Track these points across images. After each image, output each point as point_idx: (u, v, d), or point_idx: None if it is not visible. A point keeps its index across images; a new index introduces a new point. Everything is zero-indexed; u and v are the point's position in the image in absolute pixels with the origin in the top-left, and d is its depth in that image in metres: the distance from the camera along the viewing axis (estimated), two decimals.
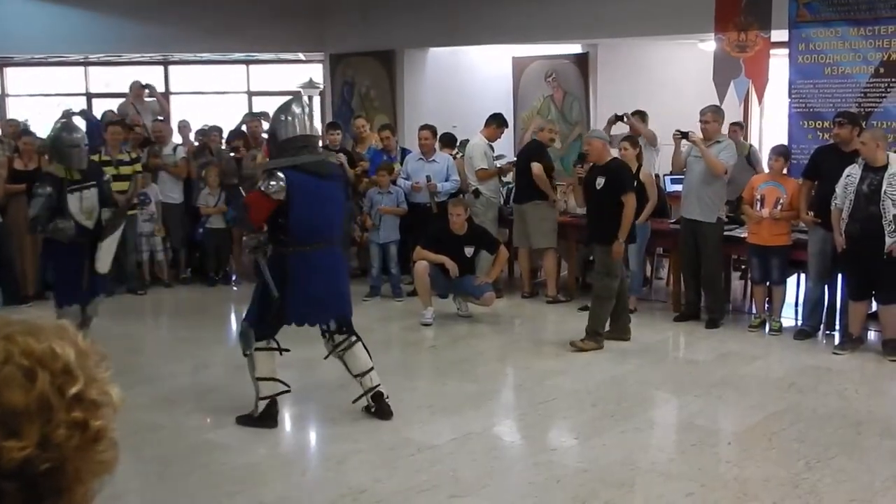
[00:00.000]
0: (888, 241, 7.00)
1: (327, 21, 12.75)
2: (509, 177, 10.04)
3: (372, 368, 5.91)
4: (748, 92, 9.69)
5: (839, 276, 7.78)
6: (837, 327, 7.89)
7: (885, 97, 8.42)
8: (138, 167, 9.81)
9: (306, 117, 5.78)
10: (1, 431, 0.92)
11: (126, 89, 11.96)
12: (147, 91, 11.73)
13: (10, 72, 14.36)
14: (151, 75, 13.30)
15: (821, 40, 8.68)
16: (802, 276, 8.43)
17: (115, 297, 9.54)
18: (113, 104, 11.83)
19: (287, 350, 5.93)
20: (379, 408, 5.93)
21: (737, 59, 9.23)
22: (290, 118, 5.64)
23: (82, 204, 6.76)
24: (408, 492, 4.91)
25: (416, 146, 10.09)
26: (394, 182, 9.79)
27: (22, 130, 10.27)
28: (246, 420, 5.82)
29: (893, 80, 8.37)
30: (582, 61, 11.94)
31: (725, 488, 4.99)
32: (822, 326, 8.01)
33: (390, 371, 7.39)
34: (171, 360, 7.60)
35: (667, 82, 11.43)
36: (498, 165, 9.89)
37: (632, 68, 11.62)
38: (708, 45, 9.83)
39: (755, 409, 6.26)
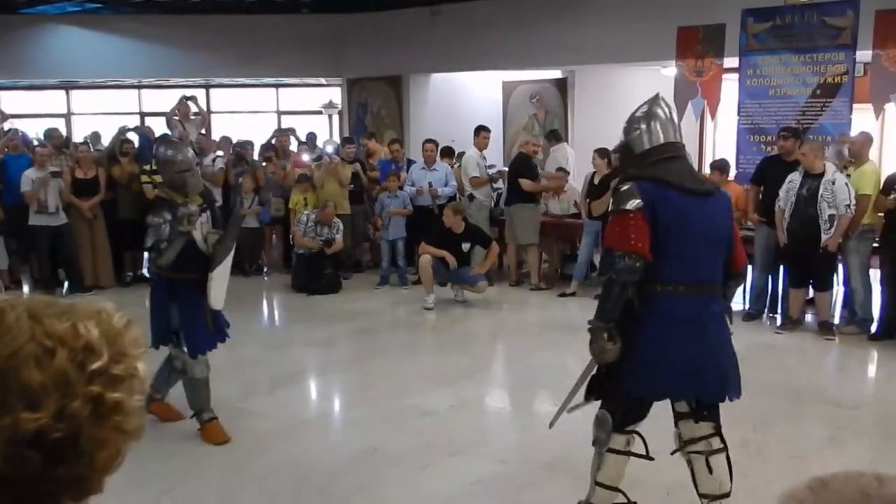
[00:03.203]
0: (823, 237, 6.99)
1: (344, 50, 12.71)
2: (499, 183, 10.01)
3: (727, 495, 3.64)
4: (703, 111, 9.66)
5: (781, 267, 7.76)
6: (779, 311, 7.88)
7: (821, 115, 8.42)
8: None
9: (669, 123, 3.67)
10: (20, 404, 0.90)
11: None
12: (193, 107, 11.65)
13: (74, 94, 14.32)
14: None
15: (767, 66, 8.68)
16: (750, 267, 8.40)
17: None
18: (161, 121, 11.77)
19: (651, 458, 3.68)
20: None
21: (694, 83, 9.22)
22: (646, 126, 3.66)
23: (202, 231, 5.03)
24: (412, 450, 4.88)
25: (420, 157, 10.06)
26: (401, 188, 9.76)
27: (66, 140, 10.30)
28: None
29: (829, 100, 8.36)
30: (561, 85, 11.93)
31: None
32: (766, 310, 7.99)
33: (398, 348, 7.40)
34: None
35: (634, 103, 11.15)
36: (489, 174, 9.86)
37: (604, 91, 11.58)
38: (669, 71, 9.80)
39: None
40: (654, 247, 3.38)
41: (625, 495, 3.72)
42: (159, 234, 4.96)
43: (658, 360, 3.45)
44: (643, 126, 3.66)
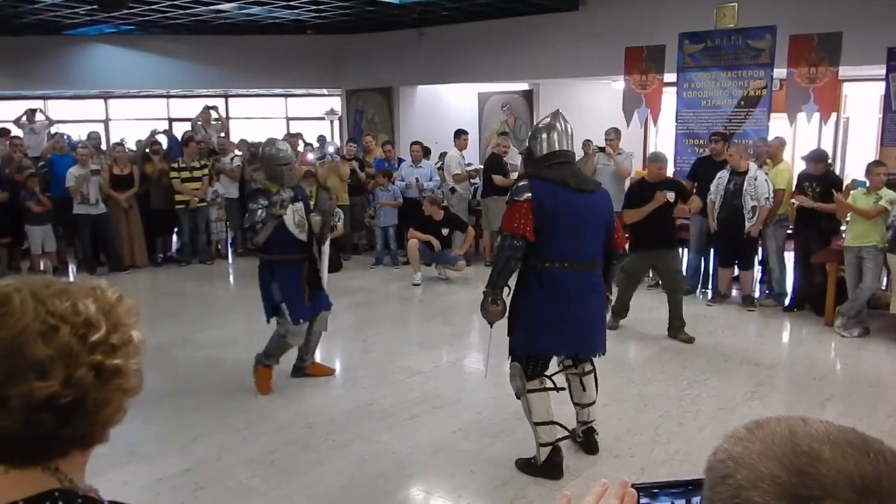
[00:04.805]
0: (747, 225, 7.04)
1: (343, 65, 12.60)
2: (476, 179, 10.00)
3: (593, 403, 4.11)
4: (647, 118, 9.68)
5: (712, 249, 7.80)
6: (710, 286, 7.93)
7: (744, 122, 8.44)
8: (206, 171, 9.71)
9: (564, 134, 3.82)
10: (33, 374, 0.89)
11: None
12: (214, 114, 11.54)
13: (112, 103, 14.09)
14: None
15: (700, 81, 8.68)
16: (686, 250, 8.44)
17: (190, 266, 9.44)
18: (187, 126, 11.65)
19: (563, 389, 4.06)
20: (587, 441, 4.11)
21: (639, 95, 9.21)
22: (546, 136, 3.81)
23: (295, 218, 5.03)
24: (403, 404, 4.91)
25: (408, 156, 10.02)
26: (392, 182, 9.72)
27: (97, 141, 10.17)
28: (528, 468, 3.92)
29: (751, 109, 8.39)
30: (528, 96, 11.89)
31: (631, 401, 5.00)
32: (699, 285, 8.04)
33: (390, 318, 7.39)
34: (231, 311, 7.53)
35: (589, 111, 11.36)
36: (468, 171, 9.84)
37: (563, 101, 11.49)
38: (618, 84, 9.80)
39: (652, 344, 6.27)
40: (544, 231, 3.63)
41: (563, 427, 4.00)
42: (255, 218, 4.95)
43: (547, 326, 3.69)
44: (543, 135, 3.83)
